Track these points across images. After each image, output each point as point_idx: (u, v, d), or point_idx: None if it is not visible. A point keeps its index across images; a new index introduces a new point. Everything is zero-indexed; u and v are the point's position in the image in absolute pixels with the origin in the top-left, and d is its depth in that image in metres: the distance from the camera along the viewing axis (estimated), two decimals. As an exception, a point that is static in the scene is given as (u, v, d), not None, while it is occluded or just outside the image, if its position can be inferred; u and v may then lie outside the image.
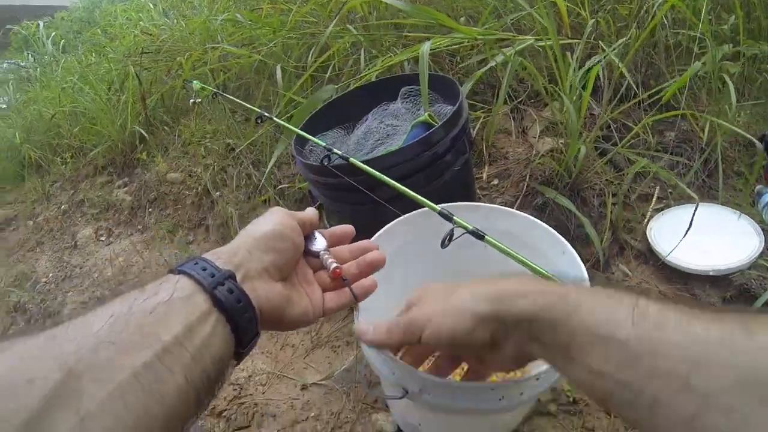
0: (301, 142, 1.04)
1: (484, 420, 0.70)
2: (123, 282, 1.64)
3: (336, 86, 1.33)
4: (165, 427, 0.32)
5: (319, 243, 0.55)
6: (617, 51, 1.27)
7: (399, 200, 0.74)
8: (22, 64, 4.27)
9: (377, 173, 0.77)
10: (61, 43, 3.70)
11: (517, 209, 0.78)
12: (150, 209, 1.96)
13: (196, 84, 1.31)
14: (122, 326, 0.33)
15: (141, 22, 2.87)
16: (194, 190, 1.78)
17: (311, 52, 1.57)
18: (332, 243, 0.57)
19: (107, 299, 0.36)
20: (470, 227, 0.63)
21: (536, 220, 0.74)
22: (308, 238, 0.54)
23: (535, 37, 1.26)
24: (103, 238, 2.01)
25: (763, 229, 1.12)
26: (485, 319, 0.41)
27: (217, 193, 1.65)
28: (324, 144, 0.88)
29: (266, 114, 1.03)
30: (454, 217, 0.64)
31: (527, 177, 1.28)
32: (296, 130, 0.97)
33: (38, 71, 3.69)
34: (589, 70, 1.21)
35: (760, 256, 1.06)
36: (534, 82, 1.28)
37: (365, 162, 0.81)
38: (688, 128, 1.38)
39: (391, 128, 1.05)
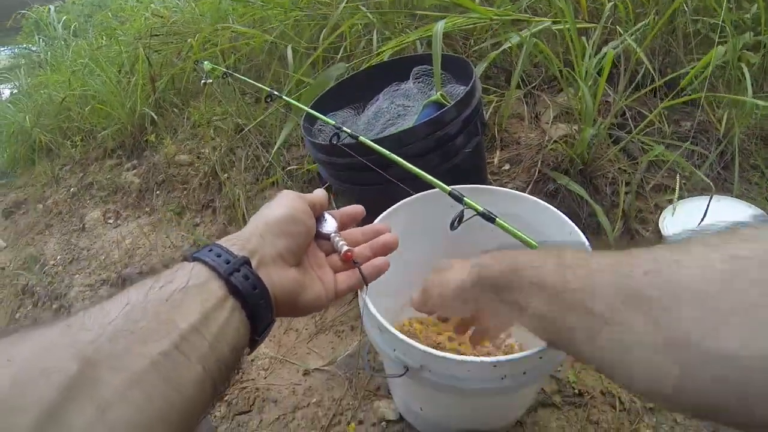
0: (311, 121, 1.02)
1: (486, 404, 0.68)
2: (129, 264, 1.64)
3: (347, 65, 1.31)
4: (183, 418, 0.31)
5: (330, 225, 0.54)
6: (635, 37, 1.24)
7: (409, 181, 0.73)
8: (34, 48, 4.28)
9: (387, 152, 0.76)
10: (72, 27, 3.69)
11: (526, 194, 0.76)
12: (158, 191, 1.95)
13: (207, 64, 1.29)
14: (139, 314, 0.32)
15: (152, 5, 2.84)
16: (202, 172, 1.77)
17: (323, 33, 1.55)
18: (342, 224, 0.56)
19: (122, 288, 0.35)
20: (480, 209, 0.61)
21: (545, 203, 0.73)
22: (318, 220, 0.53)
23: (551, 20, 1.23)
24: (110, 221, 2.01)
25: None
26: (466, 286, 0.51)
27: (225, 175, 1.64)
28: (333, 122, 0.86)
29: (276, 92, 1.01)
30: (465, 199, 0.63)
31: (539, 163, 1.25)
32: (305, 108, 0.95)
33: (49, 55, 3.69)
34: (605, 55, 1.18)
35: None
36: (549, 65, 1.25)
37: (375, 141, 0.79)
38: (705, 119, 1.35)
39: (402, 108, 1.03)
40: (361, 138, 0.79)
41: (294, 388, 0.98)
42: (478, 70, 1.20)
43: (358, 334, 1.06)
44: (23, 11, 4.24)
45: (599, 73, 1.15)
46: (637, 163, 1.26)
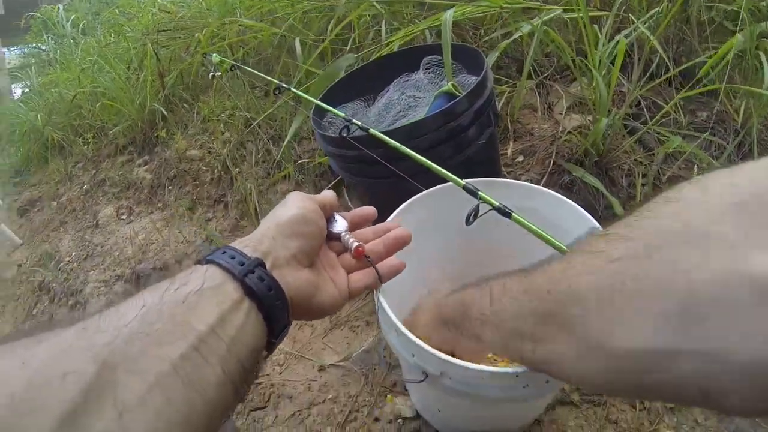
0: (320, 113, 1.01)
1: (505, 407, 0.67)
2: (143, 260, 1.64)
3: (357, 56, 1.30)
4: (204, 421, 0.31)
5: (340, 225, 0.54)
6: (648, 24, 1.22)
7: (421, 175, 0.72)
8: (43, 47, 4.30)
9: (398, 144, 0.75)
10: (81, 25, 3.71)
11: (542, 187, 0.75)
12: (170, 187, 1.95)
13: (215, 57, 1.29)
14: (155, 316, 0.32)
15: (159, 0, 2.85)
16: (213, 167, 1.77)
17: (330, 23, 1.54)
18: (353, 224, 0.56)
19: (137, 289, 0.35)
20: (496, 203, 0.60)
21: (562, 197, 0.71)
22: (328, 221, 0.53)
23: (563, 7, 1.21)
24: (123, 217, 2.02)
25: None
26: (430, 326, 0.56)
27: (237, 170, 1.64)
28: (343, 115, 0.85)
29: (284, 85, 1.00)
30: (480, 193, 0.61)
31: (553, 154, 1.24)
32: (314, 100, 0.94)
33: (58, 53, 3.71)
34: (618, 43, 1.16)
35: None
36: (561, 54, 1.23)
37: (385, 133, 0.78)
38: (722, 109, 1.32)
39: (413, 100, 1.01)
40: (372, 130, 0.78)
41: (309, 384, 0.98)
42: (490, 59, 1.19)
43: (374, 329, 1.05)
44: (32, 12, 4.26)
45: (612, 63, 1.13)
46: (654, 154, 1.24)
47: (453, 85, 0.93)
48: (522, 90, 1.30)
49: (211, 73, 1.44)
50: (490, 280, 0.48)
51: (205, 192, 1.77)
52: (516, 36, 1.22)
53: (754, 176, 0.31)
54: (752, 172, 0.31)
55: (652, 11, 1.24)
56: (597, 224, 0.65)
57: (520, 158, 1.29)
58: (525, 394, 0.50)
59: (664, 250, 0.31)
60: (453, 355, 0.51)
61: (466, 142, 0.91)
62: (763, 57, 1.16)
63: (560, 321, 0.36)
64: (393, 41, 1.31)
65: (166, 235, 1.72)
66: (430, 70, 1.06)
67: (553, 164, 1.22)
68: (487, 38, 1.43)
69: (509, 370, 0.48)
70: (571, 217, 0.68)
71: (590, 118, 1.24)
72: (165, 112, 2.16)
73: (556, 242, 0.54)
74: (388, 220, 0.68)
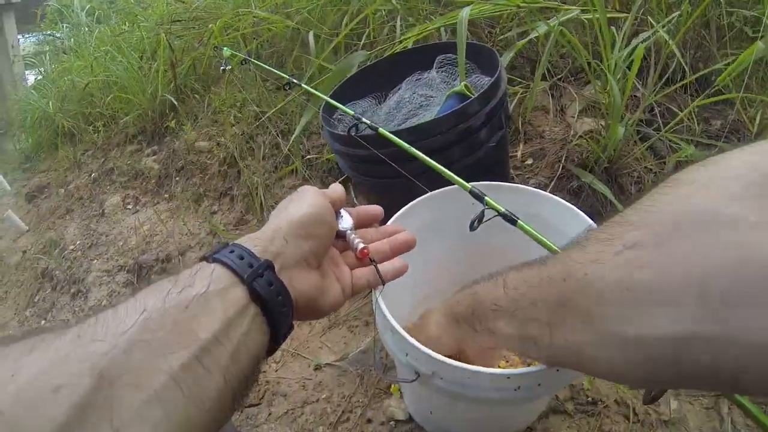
0: (330, 110, 1.00)
1: (497, 410, 0.67)
2: (146, 251, 1.64)
3: (369, 52, 1.28)
4: (202, 431, 0.30)
5: (346, 222, 0.53)
6: (667, 28, 1.19)
7: (429, 176, 0.70)
8: (58, 35, 4.32)
9: (406, 145, 0.74)
10: (96, 14, 3.72)
11: (550, 192, 0.74)
12: (177, 178, 1.95)
13: (226, 51, 1.28)
14: (156, 324, 0.30)
15: (174, -10, 2.85)
16: (221, 160, 1.76)
17: (345, 17, 1.53)
18: (359, 222, 0.55)
19: (138, 291, 0.33)
20: (502, 209, 0.59)
21: (569, 204, 0.70)
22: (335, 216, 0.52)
23: (580, 8, 1.18)
24: (129, 207, 2.02)
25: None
26: (444, 325, 0.55)
27: (244, 163, 1.63)
28: (352, 113, 0.84)
29: (294, 80, 0.99)
30: (486, 198, 0.60)
31: (563, 158, 1.22)
32: (324, 96, 0.93)
33: (72, 41, 3.73)
34: (636, 47, 1.13)
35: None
36: (577, 56, 1.21)
37: (394, 133, 0.77)
38: (737, 118, 1.30)
39: (424, 99, 1.00)
40: (381, 129, 0.77)
41: (304, 382, 0.97)
42: (504, 60, 1.17)
43: (372, 329, 1.04)
44: (48, 1, 4.28)
45: (629, 67, 1.11)
46: (665, 162, 1.22)
47: (466, 85, 0.92)
48: (535, 91, 1.28)
49: (222, 67, 1.43)
50: (503, 271, 0.48)
51: (211, 184, 1.76)
52: (532, 36, 1.20)
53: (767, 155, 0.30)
54: (765, 151, 0.31)
55: (673, 15, 1.22)
56: None
57: (530, 161, 1.28)
58: (516, 396, 0.50)
59: (680, 234, 0.30)
60: (464, 359, 0.50)
61: (477, 144, 0.89)
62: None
63: (577, 309, 0.36)
64: (408, 38, 1.29)
65: (170, 227, 1.71)
66: (444, 68, 1.05)
67: (563, 168, 1.20)
68: (502, 37, 1.41)
69: (501, 371, 0.48)
70: (577, 225, 0.67)
71: (602, 122, 1.22)
72: (176, 103, 2.16)
73: (558, 249, 0.53)
74: (390, 221, 0.68)
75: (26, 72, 5.38)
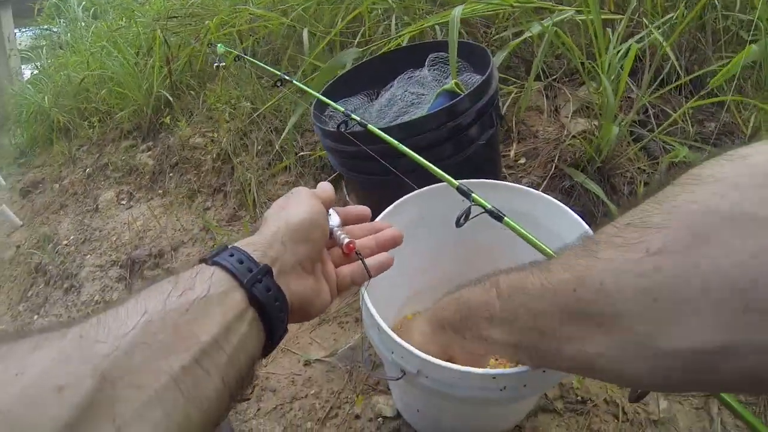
0: (321, 107, 1.00)
1: (483, 409, 0.67)
2: (139, 246, 1.64)
3: (361, 50, 1.28)
4: (200, 431, 0.30)
5: (333, 219, 0.53)
6: (662, 30, 1.19)
7: (418, 173, 0.70)
8: (55, 29, 4.31)
9: (395, 142, 0.74)
10: (92, 9, 3.71)
11: (543, 191, 0.73)
12: (171, 174, 1.95)
13: (220, 47, 1.28)
14: (157, 326, 0.30)
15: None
16: (215, 156, 1.76)
17: (339, 15, 1.53)
18: (346, 222, 0.55)
19: (138, 291, 0.33)
20: (489, 206, 0.59)
21: (558, 203, 0.69)
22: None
23: (575, 9, 1.18)
24: (123, 202, 2.02)
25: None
26: (428, 333, 0.55)
27: (238, 159, 1.63)
28: (342, 109, 0.84)
29: (286, 77, 0.99)
30: (473, 194, 0.60)
31: (556, 158, 1.22)
32: (314, 93, 0.93)
33: (69, 36, 3.72)
34: (630, 48, 1.13)
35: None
36: (571, 56, 1.21)
37: (384, 129, 0.77)
38: (730, 120, 1.30)
39: (415, 97, 1.00)
40: (369, 126, 0.77)
41: (293, 378, 0.97)
42: (497, 59, 1.17)
43: (362, 326, 1.04)
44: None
45: (623, 68, 1.11)
46: (658, 163, 1.22)
47: (456, 83, 0.92)
48: (529, 91, 1.28)
49: (215, 63, 1.43)
50: (491, 276, 0.47)
51: (205, 180, 1.76)
52: (526, 36, 1.20)
53: None
54: None
55: (667, 17, 1.22)
56: (591, 231, 0.63)
57: (523, 160, 1.28)
58: (502, 396, 0.50)
59: (712, 237, 0.28)
60: (452, 362, 0.50)
61: (467, 141, 0.89)
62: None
63: (595, 320, 0.35)
64: (402, 35, 1.29)
65: (163, 222, 1.71)
66: (436, 67, 1.05)
67: (555, 168, 1.20)
68: (497, 36, 1.41)
69: (486, 371, 0.48)
70: (567, 224, 0.67)
71: (596, 123, 1.22)
72: (171, 99, 2.16)
73: (547, 249, 0.53)
74: (379, 218, 0.67)
75: (23, 66, 5.36)
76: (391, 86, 1.08)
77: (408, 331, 0.59)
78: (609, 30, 1.18)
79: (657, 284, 0.30)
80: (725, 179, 0.30)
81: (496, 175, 1.07)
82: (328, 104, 0.90)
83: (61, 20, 4.07)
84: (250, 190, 1.50)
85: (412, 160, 0.70)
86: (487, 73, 0.88)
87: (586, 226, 0.64)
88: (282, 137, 1.45)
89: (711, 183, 0.30)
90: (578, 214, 0.66)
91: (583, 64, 1.20)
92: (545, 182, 1.19)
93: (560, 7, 1.23)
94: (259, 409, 0.92)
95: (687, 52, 1.35)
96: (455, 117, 0.84)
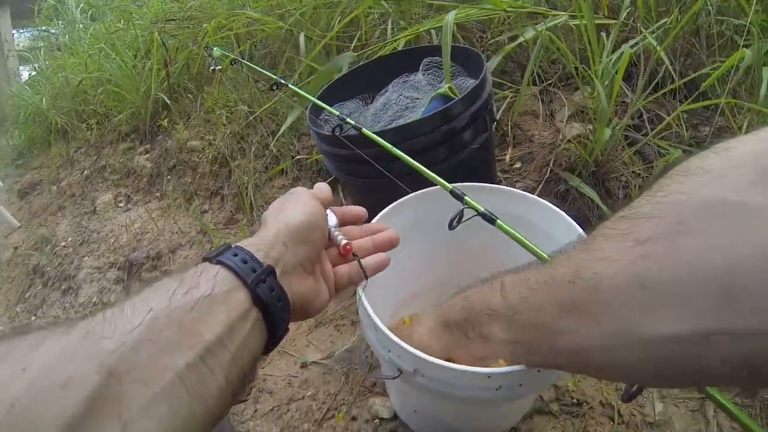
0: (317, 111, 1.01)
1: (480, 410, 0.67)
2: (137, 248, 1.64)
3: (356, 54, 1.29)
4: (202, 428, 0.31)
5: (331, 220, 0.53)
6: (656, 35, 1.20)
7: (412, 177, 0.71)
8: (53, 31, 4.32)
9: (389, 145, 0.74)
10: (90, 12, 3.72)
11: (538, 195, 0.74)
12: (169, 176, 1.96)
13: (216, 51, 1.28)
14: (163, 323, 0.31)
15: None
16: (212, 159, 1.77)
17: (336, 19, 1.54)
18: (343, 223, 0.55)
19: (143, 289, 0.34)
20: (481, 209, 0.60)
21: (551, 205, 0.70)
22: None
23: (569, 14, 1.20)
24: (121, 204, 2.02)
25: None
26: (435, 332, 0.55)
27: (235, 163, 1.64)
28: (337, 113, 0.85)
29: (282, 80, 1.00)
30: (466, 197, 0.61)
31: (551, 162, 1.23)
32: (309, 97, 0.94)
33: (67, 38, 3.72)
34: (623, 53, 1.14)
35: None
36: (565, 61, 1.22)
37: (378, 133, 0.78)
38: (725, 124, 1.31)
39: (410, 101, 1.00)
40: (364, 130, 0.78)
41: (290, 379, 0.97)
42: (491, 64, 1.18)
43: (358, 328, 1.05)
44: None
45: (617, 72, 1.12)
46: (652, 167, 1.23)
47: (450, 87, 0.92)
48: (523, 96, 1.28)
49: (212, 67, 1.44)
50: (499, 275, 0.47)
51: (202, 183, 1.77)
52: (520, 41, 1.21)
53: None
54: None
55: (661, 21, 1.23)
56: (585, 235, 0.64)
57: (518, 164, 1.29)
58: (497, 396, 0.50)
59: (696, 226, 0.29)
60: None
61: (461, 145, 0.90)
62: (765, 74, 1.14)
63: (587, 312, 0.35)
64: (398, 39, 1.30)
65: (161, 225, 1.72)
66: (430, 71, 1.06)
67: (551, 172, 1.21)
68: (493, 41, 1.42)
69: (482, 370, 0.48)
70: (563, 228, 0.67)
71: (591, 127, 1.23)
72: (169, 102, 2.16)
73: (539, 251, 0.53)
74: (374, 220, 0.68)
75: (21, 67, 5.35)
76: (386, 90, 1.08)
77: (413, 330, 0.59)
78: (603, 35, 1.19)
79: (644, 271, 0.31)
80: (711, 170, 0.30)
81: (491, 179, 1.08)
82: (323, 108, 0.91)
83: (60, 22, 4.08)
84: (247, 194, 1.51)
85: (407, 164, 0.70)
86: (480, 78, 0.89)
87: (581, 230, 0.64)
88: (275, 139, 1.46)
89: (698, 174, 0.31)
90: (573, 218, 0.66)
91: (577, 69, 1.21)
92: (540, 186, 1.19)
93: (554, 12, 1.24)
94: (256, 411, 0.93)
95: (681, 56, 1.36)
96: (449, 121, 0.85)
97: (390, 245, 0.55)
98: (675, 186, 0.32)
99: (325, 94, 1.06)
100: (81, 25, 3.63)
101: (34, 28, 5.15)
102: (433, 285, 0.80)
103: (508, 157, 1.30)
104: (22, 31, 5.96)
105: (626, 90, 1.28)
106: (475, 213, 0.60)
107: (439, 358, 0.50)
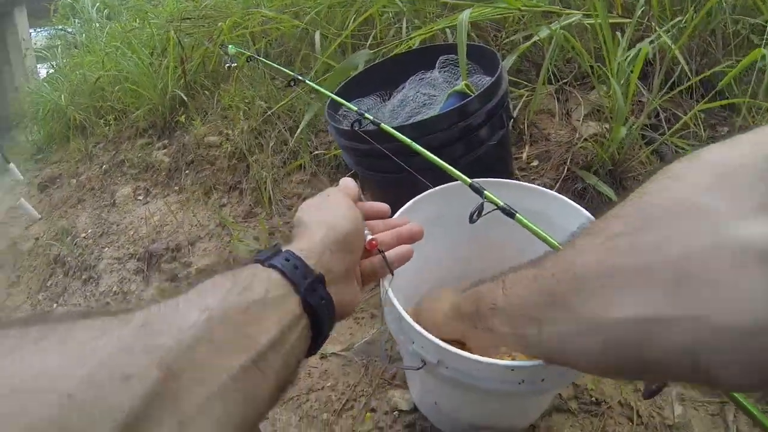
0: (335, 106, 1.02)
1: (501, 403, 0.68)
2: (156, 240, 1.67)
3: (372, 51, 1.31)
4: (251, 429, 0.31)
5: None
6: (671, 34, 1.20)
7: (430, 172, 0.72)
8: (70, 30, 4.37)
9: (408, 140, 0.76)
10: (106, 11, 3.77)
11: (554, 192, 0.74)
12: (187, 171, 1.98)
13: (231, 48, 1.30)
14: (218, 323, 0.31)
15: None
16: (230, 154, 1.79)
17: (351, 17, 1.55)
18: (366, 218, 0.55)
19: (193, 284, 0.34)
20: (501, 203, 0.60)
21: (570, 201, 0.70)
22: None
23: (583, 12, 1.20)
24: (140, 198, 2.05)
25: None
26: (449, 318, 0.57)
27: (253, 158, 1.66)
28: (356, 109, 0.86)
29: (299, 77, 1.02)
30: (485, 192, 0.62)
31: (568, 160, 1.23)
32: (328, 93, 0.95)
33: (84, 37, 3.77)
34: (638, 52, 1.15)
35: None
36: (581, 60, 1.23)
37: (396, 128, 0.79)
38: (743, 124, 1.31)
39: (427, 98, 1.02)
40: (382, 125, 0.79)
41: (310, 370, 0.99)
42: (507, 62, 1.19)
43: (378, 321, 1.06)
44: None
45: (633, 71, 1.13)
46: (669, 166, 1.22)
47: (466, 84, 0.94)
48: (539, 94, 1.29)
49: (227, 64, 1.45)
50: (505, 271, 0.49)
51: (221, 178, 1.79)
52: (534, 40, 1.22)
53: (743, 149, 0.32)
54: (743, 145, 0.33)
55: (675, 20, 1.23)
56: None
57: (535, 163, 1.29)
58: (520, 390, 0.50)
59: (655, 223, 0.32)
60: (466, 349, 0.52)
61: (477, 142, 0.91)
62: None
63: (562, 301, 0.38)
64: (413, 37, 1.31)
65: (180, 218, 1.74)
66: (446, 69, 1.07)
67: (567, 170, 1.22)
68: (507, 40, 1.43)
69: (505, 363, 0.48)
70: (580, 223, 0.68)
71: (607, 126, 1.23)
72: (186, 98, 2.19)
73: (557, 244, 0.54)
74: (396, 215, 0.69)
75: (38, 65, 5.43)
76: (403, 87, 1.10)
77: (432, 308, 0.62)
78: (618, 34, 1.19)
79: (610, 262, 0.34)
80: (678, 174, 0.34)
81: (507, 175, 1.09)
82: (342, 104, 0.93)
83: (76, 21, 4.13)
84: (265, 188, 1.53)
85: (425, 159, 0.72)
86: (496, 75, 0.90)
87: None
88: (296, 135, 1.47)
89: (667, 178, 0.34)
90: (593, 216, 0.67)
91: (592, 67, 1.21)
92: (558, 184, 1.20)
93: (568, 11, 1.25)
94: (276, 400, 0.95)
95: (697, 56, 1.36)
96: (466, 117, 0.86)
97: (412, 239, 0.56)
98: (647, 188, 0.35)
99: (342, 91, 1.07)
100: (97, 24, 3.68)
101: (50, 27, 5.22)
102: (454, 280, 0.80)
103: (525, 155, 1.31)
104: (39, 30, 6.05)
105: (642, 89, 1.28)
106: (495, 207, 0.61)
107: (450, 340, 0.52)
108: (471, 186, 0.64)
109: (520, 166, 1.29)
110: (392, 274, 0.53)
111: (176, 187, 1.97)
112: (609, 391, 0.86)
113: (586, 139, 1.24)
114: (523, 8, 1.24)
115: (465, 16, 1.07)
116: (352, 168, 1.01)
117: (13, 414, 0.21)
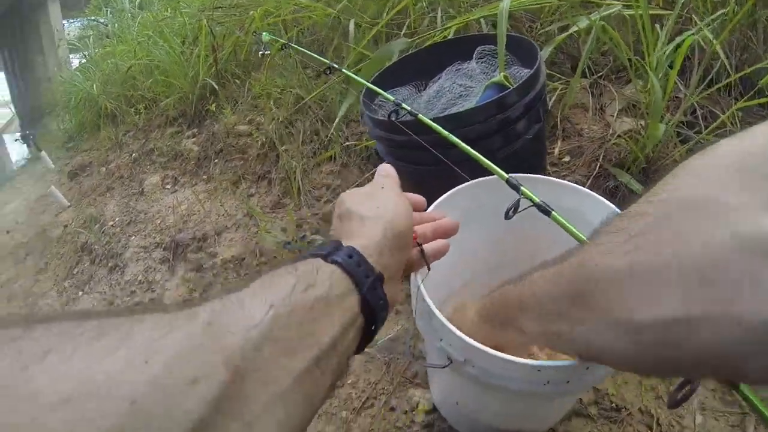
0: (370, 96, 1.02)
1: (525, 407, 0.67)
2: (183, 229, 1.69)
3: (410, 41, 1.30)
4: (306, 428, 0.31)
5: None
6: (712, 27, 1.17)
7: (466, 164, 0.71)
8: (102, 20, 4.45)
9: (445, 132, 0.74)
10: (138, 1, 3.82)
11: (589, 190, 0.73)
12: (216, 160, 2.00)
13: (265, 35, 1.30)
14: (284, 322, 0.30)
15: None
16: (260, 143, 1.80)
17: (386, 6, 1.54)
18: None
19: (256, 278, 0.33)
20: (537, 200, 0.59)
21: (606, 200, 0.69)
22: None
23: (623, 2, 1.17)
24: (168, 186, 2.08)
25: None
26: (477, 324, 0.57)
27: (283, 147, 1.66)
28: (393, 98, 0.86)
29: (335, 65, 1.01)
30: (522, 188, 0.61)
31: (600, 157, 1.21)
32: (365, 82, 0.95)
33: (115, 26, 3.83)
34: (679, 45, 1.12)
35: None
36: (618, 52, 1.20)
37: (433, 120, 0.78)
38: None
39: (463, 89, 1.00)
40: (420, 116, 0.78)
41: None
42: (544, 53, 1.17)
43: (402, 318, 1.05)
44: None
45: (671, 66, 1.10)
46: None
47: (505, 76, 0.92)
48: (574, 88, 1.27)
49: (261, 52, 1.46)
50: (532, 270, 0.48)
51: (250, 167, 1.80)
52: (572, 31, 1.19)
53: (758, 141, 0.32)
54: (757, 138, 0.32)
55: (717, 13, 1.19)
56: None
57: (567, 158, 1.27)
58: (545, 391, 0.50)
59: (674, 220, 0.32)
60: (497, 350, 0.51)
61: (514, 135, 0.90)
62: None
63: (587, 300, 0.37)
64: (449, 27, 1.30)
65: (207, 207, 1.76)
66: (483, 60, 1.05)
67: (600, 167, 1.19)
68: (542, 31, 1.41)
69: (533, 362, 0.48)
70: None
71: (642, 122, 1.20)
72: (216, 87, 2.21)
73: (590, 243, 0.53)
74: (431, 207, 0.69)
75: (71, 56, 5.54)
76: (439, 78, 1.08)
77: (457, 319, 0.60)
78: (657, 26, 1.16)
79: (633, 261, 0.33)
80: (693, 169, 0.34)
81: (542, 170, 1.07)
82: (378, 93, 0.92)
83: (108, 11, 4.19)
84: (294, 178, 1.53)
85: (462, 151, 0.70)
86: (535, 67, 0.88)
87: None
88: (334, 125, 1.47)
89: (684, 175, 0.34)
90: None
91: (630, 60, 1.19)
92: (589, 181, 1.18)
93: (607, 1, 1.22)
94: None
95: (737, 51, 1.32)
96: (504, 110, 0.85)
97: (448, 233, 0.55)
98: (666, 185, 0.35)
99: (377, 81, 1.06)
100: (129, 14, 3.73)
101: (83, 18, 5.31)
102: (487, 274, 0.80)
103: (557, 151, 1.29)
104: (72, 21, 6.17)
105: (679, 85, 1.25)
106: (531, 204, 0.60)
107: (483, 344, 0.51)
108: (507, 181, 0.63)
109: (551, 162, 1.27)
110: (429, 269, 0.52)
111: (204, 176, 1.98)
112: (630, 398, 0.84)
113: (619, 136, 1.22)
114: (561, -2, 1.22)
115: (506, 5, 1.06)
116: (385, 159, 1.01)
117: (68, 422, 0.19)
